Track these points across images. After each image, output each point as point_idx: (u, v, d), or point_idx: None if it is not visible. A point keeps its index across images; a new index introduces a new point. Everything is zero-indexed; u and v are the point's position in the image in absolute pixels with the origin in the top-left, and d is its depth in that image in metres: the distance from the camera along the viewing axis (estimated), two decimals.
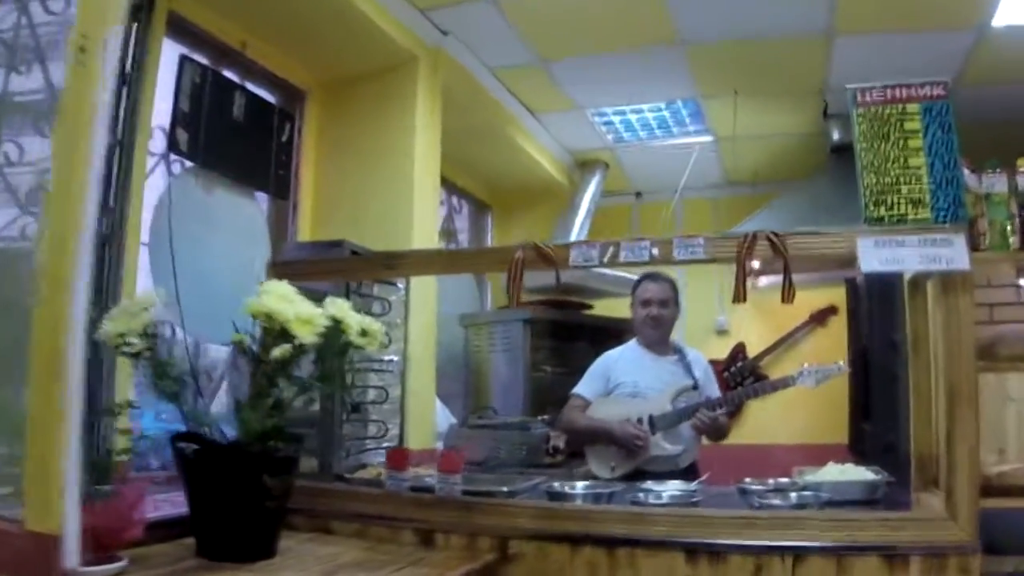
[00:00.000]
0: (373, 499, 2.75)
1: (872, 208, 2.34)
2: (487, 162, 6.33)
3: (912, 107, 2.39)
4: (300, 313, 2.26)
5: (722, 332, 7.26)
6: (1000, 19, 4.43)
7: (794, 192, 5.80)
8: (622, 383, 3.97)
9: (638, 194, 7.61)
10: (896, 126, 2.39)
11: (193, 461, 2.29)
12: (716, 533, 2.35)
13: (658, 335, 4.02)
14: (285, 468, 2.36)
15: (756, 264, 2.51)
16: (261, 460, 2.29)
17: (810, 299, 6.89)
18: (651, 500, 2.62)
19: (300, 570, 2.20)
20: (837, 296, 6.59)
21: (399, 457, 2.75)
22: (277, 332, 2.27)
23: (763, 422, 6.87)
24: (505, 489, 2.70)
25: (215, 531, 2.27)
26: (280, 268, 2.95)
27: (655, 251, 2.44)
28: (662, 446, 3.72)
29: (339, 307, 2.42)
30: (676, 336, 4.19)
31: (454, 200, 6.58)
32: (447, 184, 6.30)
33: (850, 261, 2.29)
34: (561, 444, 4.69)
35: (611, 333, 6.20)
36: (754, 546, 2.31)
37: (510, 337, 5.52)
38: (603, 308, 6.32)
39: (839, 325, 6.62)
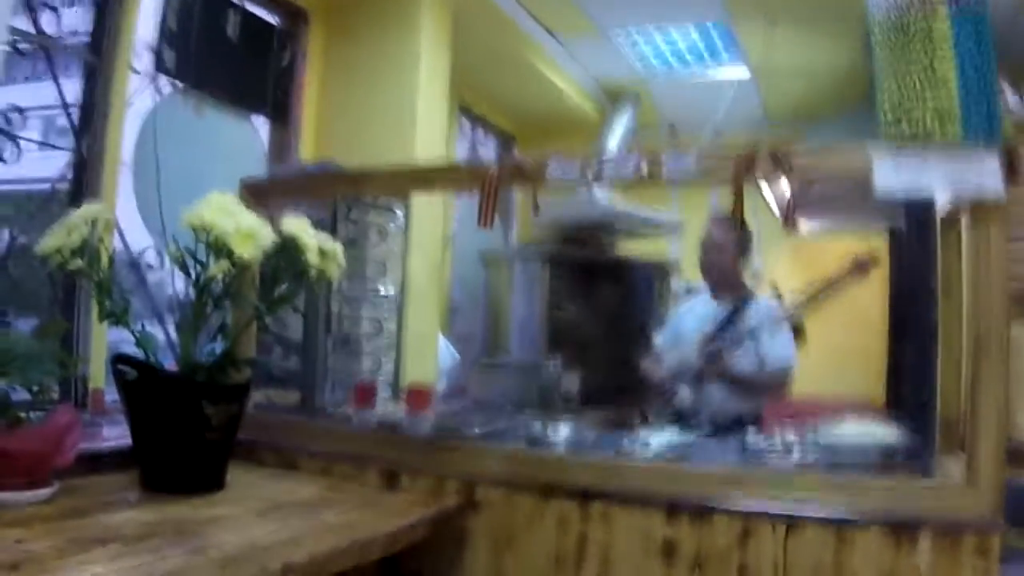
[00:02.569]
0: (338, 436, 2.54)
1: (891, 120, 2.02)
2: (510, 91, 6.08)
3: (940, 8, 2.04)
4: (241, 226, 2.02)
5: (754, 275, 6.93)
6: None
7: (832, 127, 5.47)
8: (682, 332, 3.83)
9: (671, 126, 7.26)
10: (922, 28, 2.04)
11: (132, 386, 2.10)
12: (700, 491, 2.07)
13: (712, 282, 3.83)
14: (230, 397, 2.16)
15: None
16: (201, 388, 2.10)
17: (851, 248, 6.57)
18: (637, 450, 2.36)
19: (238, 505, 2.02)
20: (880, 246, 6.28)
21: (365, 393, 2.53)
22: (219, 248, 2.05)
23: (801, 375, 6.63)
24: (476, 430, 2.46)
25: (155, 461, 2.09)
26: (249, 188, 2.73)
27: (643, 166, 2.15)
28: (683, 398, 3.55)
29: (294, 224, 2.19)
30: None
31: (479, 132, 6.31)
32: (469, 115, 6.07)
33: (866, 181, 1.97)
34: (574, 389, 4.50)
35: (637, 274, 5.98)
36: (742, 509, 2.03)
37: (530, 275, 5.34)
38: (631, 248, 6.08)
39: (881, 276, 6.31)
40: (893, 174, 1.91)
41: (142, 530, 1.72)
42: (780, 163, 2.01)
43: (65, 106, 3.19)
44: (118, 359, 2.11)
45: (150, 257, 3.48)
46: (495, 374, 4.77)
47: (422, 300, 4.07)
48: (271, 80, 4.06)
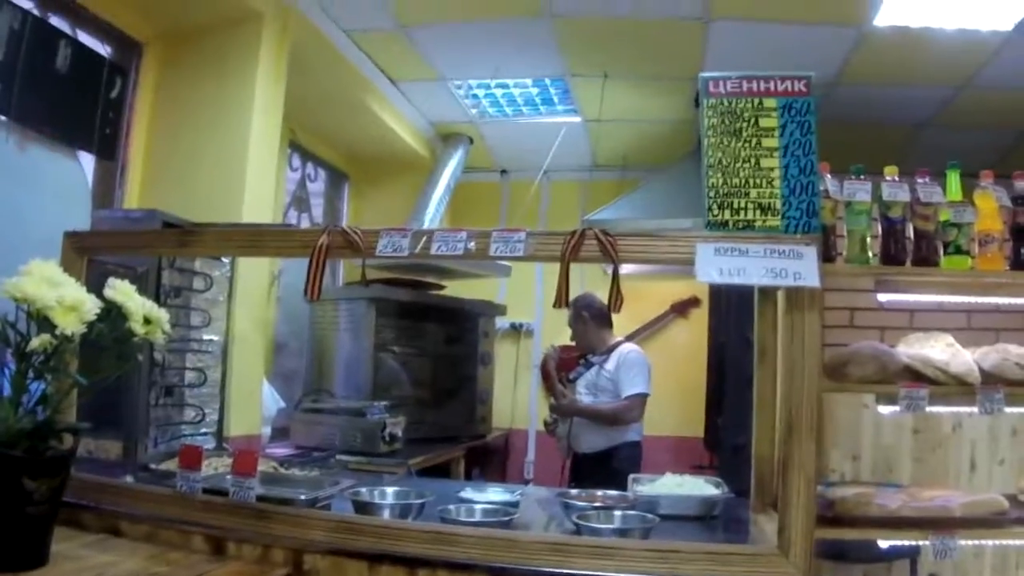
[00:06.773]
0: (163, 500, 2.45)
1: (716, 211, 2.14)
2: (344, 130, 6.06)
3: (769, 102, 2.19)
4: (64, 299, 1.96)
5: None
6: (883, 19, 4.36)
7: (661, 179, 5.70)
8: None
9: (503, 172, 7.45)
10: (750, 122, 2.18)
11: None
12: (525, 559, 2.12)
13: (578, 345, 5.04)
14: (53, 470, 2.07)
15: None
16: (20, 463, 2.00)
17: (673, 289, 6.82)
18: (462, 516, 2.40)
19: None
20: (700, 288, 6.52)
21: (191, 455, 2.47)
22: (41, 320, 1.98)
23: None
24: (302, 497, 2.45)
25: None
26: (74, 240, 2.63)
27: (471, 245, 2.21)
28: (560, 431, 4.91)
29: (121, 290, 2.13)
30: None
31: (309, 168, 6.25)
32: (301, 151, 6.00)
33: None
34: (399, 432, 4.54)
35: (463, 315, 6.04)
36: (566, 575, 2.10)
37: (355, 315, 5.27)
38: (458, 288, 6.12)
39: (701, 317, 6.57)
40: (714, 264, 2.02)
41: None
42: (606, 247, 2.10)
43: None
44: None
45: None
46: (318, 418, 4.73)
47: (247, 346, 3.98)
48: (99, 115, 3.91)
